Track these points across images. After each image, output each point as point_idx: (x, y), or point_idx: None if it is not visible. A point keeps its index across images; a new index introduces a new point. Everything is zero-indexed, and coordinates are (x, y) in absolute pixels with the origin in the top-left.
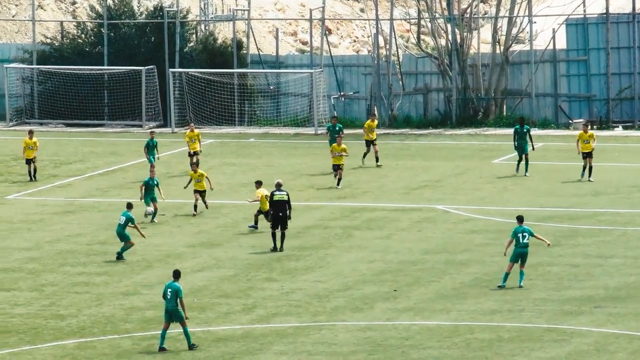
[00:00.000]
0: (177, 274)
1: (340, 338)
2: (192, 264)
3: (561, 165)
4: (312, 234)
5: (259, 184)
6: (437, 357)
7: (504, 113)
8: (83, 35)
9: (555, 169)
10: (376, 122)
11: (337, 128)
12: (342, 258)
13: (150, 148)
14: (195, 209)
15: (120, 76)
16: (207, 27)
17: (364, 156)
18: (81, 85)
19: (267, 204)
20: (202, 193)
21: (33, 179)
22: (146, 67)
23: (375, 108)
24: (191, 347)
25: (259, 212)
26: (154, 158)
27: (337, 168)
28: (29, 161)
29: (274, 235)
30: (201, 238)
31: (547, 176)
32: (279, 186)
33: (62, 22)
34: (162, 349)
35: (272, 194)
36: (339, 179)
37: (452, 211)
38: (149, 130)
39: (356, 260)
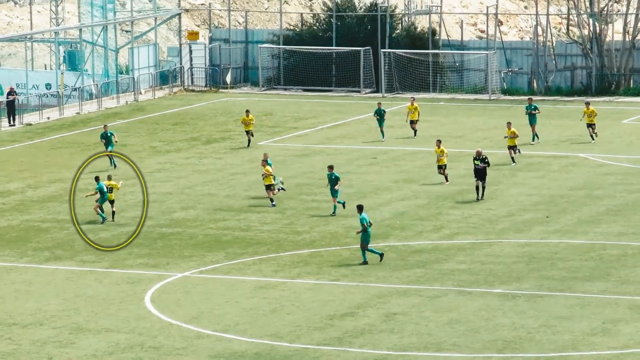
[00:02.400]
0: (360, 208)
1: (505, 252)
2: (397, 194)
3: None
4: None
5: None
6: (578, 267)
7: (632, 85)
8: (317, 24)
9: None
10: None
11: (532, 106)
12: (508, 192)
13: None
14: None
15: (344, 54)
16: (409, 19)
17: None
18: (315, 60)
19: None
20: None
21: (248, 145)
22: (364, 48)
23: (535, 82)
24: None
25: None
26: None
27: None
28: (247, 132)
29: (477, 188)
30: (403, 175)
31: None
32: (479, 154)
33: (302, 14)
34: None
35: (474, 161)
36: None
37: (590, 158)
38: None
39: (518, 194)
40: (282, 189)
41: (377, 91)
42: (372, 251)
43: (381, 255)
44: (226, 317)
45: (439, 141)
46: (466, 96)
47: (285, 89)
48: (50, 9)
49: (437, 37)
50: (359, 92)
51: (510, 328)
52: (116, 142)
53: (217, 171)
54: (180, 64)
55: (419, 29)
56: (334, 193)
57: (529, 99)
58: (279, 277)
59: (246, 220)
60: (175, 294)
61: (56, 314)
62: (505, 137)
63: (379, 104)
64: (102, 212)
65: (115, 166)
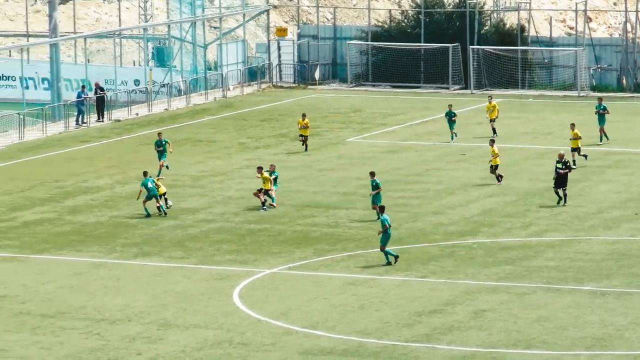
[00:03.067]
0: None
1: (594, 249)
2: (485, 191)
3: None
4: (574, 171)
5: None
6: None
7: None
8: (405, 20)
9: None
10: None
11: (602, 106)
12: (597, 189)
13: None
14: None
15: (432, 51)
16: (498, 15)
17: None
18: (403, 57)
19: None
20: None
21: (306, 149)
22: (452, 45)
23: (624, 79)
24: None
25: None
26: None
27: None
28: (302, 137)
29: (556, 193)
30: (487, 172)
31: None
32: (561, 157)
33: (390, 10)
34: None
35: (556, 164)
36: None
37: None
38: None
39: (607, 191)
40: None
41: (465, 88)
42: (388, 253)
43: (396, 257)
44: (314, 314)
45: (492, 141)
46: (555, 93)
47: (374, 86)
48: (139, 5)
49: (526, 34)
50: (447, 88)
51: (599, 325)
52: (170, 152)
53: (305, 167)
54: (269, 60)
55: (507, 26)
56: (376, 200)
57: (599, 98)
58: (367, 274)
59: (334, 217)
60: (263, 290)
61: (144, 310)
62: (570, 139)
63: (450, 105)
64: (146, 208)
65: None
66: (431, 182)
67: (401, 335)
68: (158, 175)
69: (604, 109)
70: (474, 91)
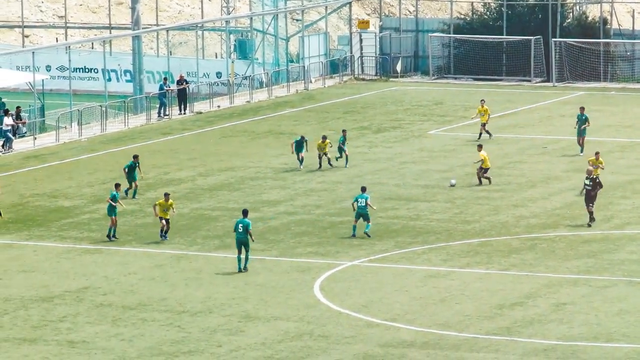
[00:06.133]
0: (245, 212)
1: None
2: (567, 184)
3: None
4: None
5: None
6: None
7: None
8: (488, 13)
9: None
10: None
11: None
12: None
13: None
14: None
15: (514, 43)
16: (580, 8)
17: None
18: (485, 49)
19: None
20: None
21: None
22: (534, 37)
23: None
24: (241, 269)
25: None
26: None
27: None
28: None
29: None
30: (574, 165)
31: None
32: (589, 174)
33: (472, 3)
34: (240, 271)
35: (584, 180)
36: None
37: None
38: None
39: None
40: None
41: (547, 80)
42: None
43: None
44: (395, 306)
45: (480, 146)
46: (637, 86)
47: (456, 78)
48: None
49: (608, 27)
50: (529, 81)
51: None
52: (142, 177)
53: (387, 160)
54: (351, 52)
55: (590, 18)
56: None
57: (581, 108)
58: (448, 267)
59: (416, 210)
60: (344, 283)
61: (226, 302)
62: None
63: (582, 108)
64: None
65: (129, 194)
66: (513, 175)
67: (482, 328)
68: (134, 197)
69: (586, 119)
70: (556, 84)
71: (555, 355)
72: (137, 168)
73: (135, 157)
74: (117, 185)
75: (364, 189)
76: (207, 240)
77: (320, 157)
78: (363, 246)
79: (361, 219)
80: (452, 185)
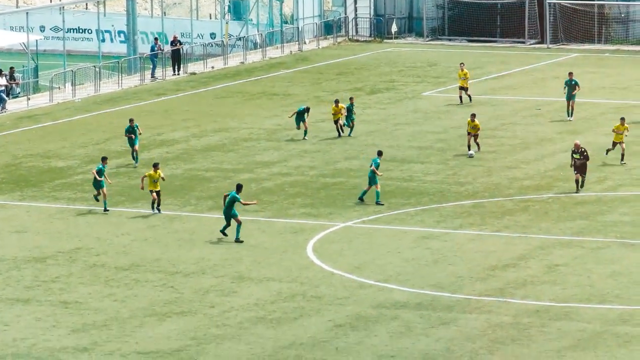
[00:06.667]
0: (239, 187)
1: None
2: (560, 146)
3: None
4: None
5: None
6: None
7: None
8: None
9: None
10: None
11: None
12: None
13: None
14: None
15: (509, 5)
16: None
17: None
18: (480, 11)
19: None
20: None
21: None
22: None
23: None
24: (237, 239)
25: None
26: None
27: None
28: (336, 122)
29: (576, 181)
30: (567, 127)
31: None
32: (577, 148)
33: None
34: (224, 234)
35: (572, 154)
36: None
37: None
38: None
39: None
40: (471, 155)
41: (542, 42)
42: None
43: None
44: (388, 267)
45: (474, 115)
46: (632, 47)
47: (450, 40)
48: None
49: None
50: (523, 42)
51: None
52: (140, 134)
53: (380, 121)
54: (345, 14)
55: None
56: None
57: (569, 73)
58: (441, 228)
59: (409, 171)
60: (337, 244)
61: (219, 263)
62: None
63: (571, 73)
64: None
65: (136, 163)
66: (506, 136)
67: (475, 289)
68: (136, 163)
69: (575, 84)
70: (550, 45)
71: (548, 316)
72: (137, 129)
73: (131, 120)
74: (104, 159)
75: (379, 153)
76: (201, 202)
77: (337, 124)
78: (356, 207)
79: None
80: (471, 156)
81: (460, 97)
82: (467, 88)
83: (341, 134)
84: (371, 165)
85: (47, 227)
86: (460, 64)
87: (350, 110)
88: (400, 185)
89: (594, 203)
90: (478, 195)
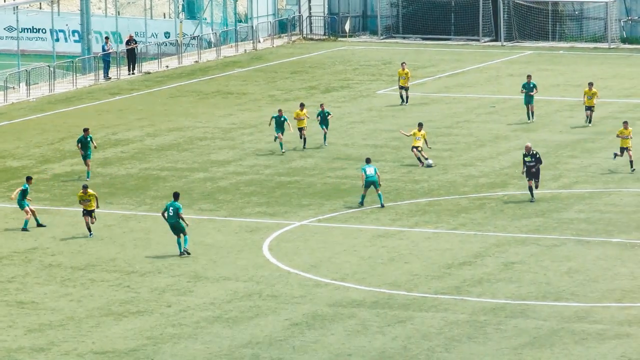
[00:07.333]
0: (176, 196)
1: (624, 201)
2: (515, 143)
3: None
4: (604, 123)
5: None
6: None
7: None
8: None
9: None
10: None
11: (531, 84)
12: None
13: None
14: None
15: (463, 3)
16: None
17: None
18: (434, 9)
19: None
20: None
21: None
22: None
23: None
24: (182, 253)
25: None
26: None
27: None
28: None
29: (530, 189)
30: (522, 126)
31: None
32: (528, 150)
33: None
34: (182, 254)
35: (523, 158)
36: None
37: None
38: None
39: (638, 143)
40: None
41: (496, 40)
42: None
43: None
44: (344, 266)
45: (421, 124)
46: (585, 45)
47: (404, 38)
48: None
49: None
50: (477, 40)
51: (629, 277)
52: (95, 147)
53: (335, 120)
54: (299, 12)
55: None
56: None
57: (528, 76)
58: (397, 226)
59: None
60: (293, 243)
61: (174, 263)
62: (586, 97)
63: (529, 76)
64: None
65: (88, 178)
66: (461, 134)
67: (431, 287)
68: (87, 177)
69: (534, 86)
70: (505, 43)
71: (504, 313)
72: (90, 142)
73: (86, 130)
74: (29, 179)
75: (368, 160)
76: (156, 201)
77: (302, 132)
78: (312, 206)
79: (372, 187)
80: (430, 166)
81: (401, 96)
82: (407, 88)
83: (305, 146)
84: (375, 171)
85: (2, 227)
86: (402, 63)
87: (324, 116)
88: (355, 183)
89: (550, 200)
90: (433, 193)
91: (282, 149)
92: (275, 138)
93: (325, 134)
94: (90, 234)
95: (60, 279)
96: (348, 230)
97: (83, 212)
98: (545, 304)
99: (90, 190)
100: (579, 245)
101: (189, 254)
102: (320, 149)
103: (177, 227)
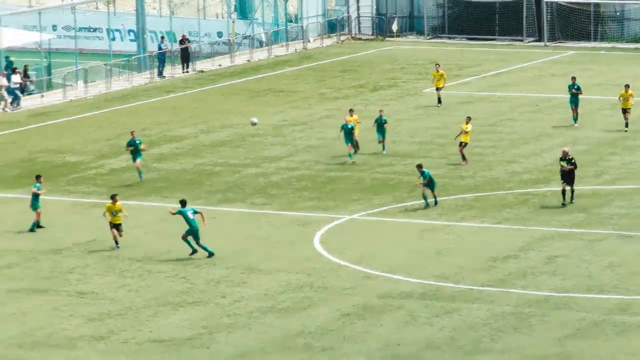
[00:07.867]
0: (184, 202)
1: None
2: (558, 141)
3: None
4: None
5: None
6: None
7: None
8: None
9: None
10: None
11: (576, 86)
12: None
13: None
14: None
15: (507, 4)
16: None
17: None
18: (479, 10)
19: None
20: None
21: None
22: None
23: None
24: (194, 251)
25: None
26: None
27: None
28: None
29: (563, 192)
30: (564, 122)
31: None
32: (565, 155)
33: None
34: (194, 252)
35: (560, 162)
36: None
37: None
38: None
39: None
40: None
41: (539, 40)
42: (203, 247)
43: (210, 254)
44: (393, 259)
45: (469, 118)
46: (627, 45)
47: (450, 38)
48: None
49: None
50: (521, 40)
51: None
52: (143, 149)
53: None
54: (348, 12)
55: None
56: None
57: (572, 77)
58: (443, 221)
59: (412, 165)
60: (343, 236)
61: (229, 255)
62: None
63: (574, 78)
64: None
65: (140, 179)
66: (505, 132)
67: (477, 280)
68: (140, 179)
69: (578, 88)
70: (548, 43)
71: (548, 306)
72: (139, 143)
73: (132, 133)
74: (38, 177)
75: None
76: (210, 195)
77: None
78: (361, 201)
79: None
80: (254, 124)
81: (439, 98)
82: (441, 88)
83: (357, 150)
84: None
85: (63, 220)
86: (436, 64)
87: (381, 123)
88: (402, 179)
89: (591, 196)
90: (479, 189)
91: (350, 157)
92: (350, 155)
93: (383, 143)
94: (117, 247)
95: (118, 270)
96: (396, 224)
97: (110, 225)
98: (587, 297)
99: (119, 203)
100: (620, 240)
101: (211, 253)
102: (369, 146)
103: (197, 234)
